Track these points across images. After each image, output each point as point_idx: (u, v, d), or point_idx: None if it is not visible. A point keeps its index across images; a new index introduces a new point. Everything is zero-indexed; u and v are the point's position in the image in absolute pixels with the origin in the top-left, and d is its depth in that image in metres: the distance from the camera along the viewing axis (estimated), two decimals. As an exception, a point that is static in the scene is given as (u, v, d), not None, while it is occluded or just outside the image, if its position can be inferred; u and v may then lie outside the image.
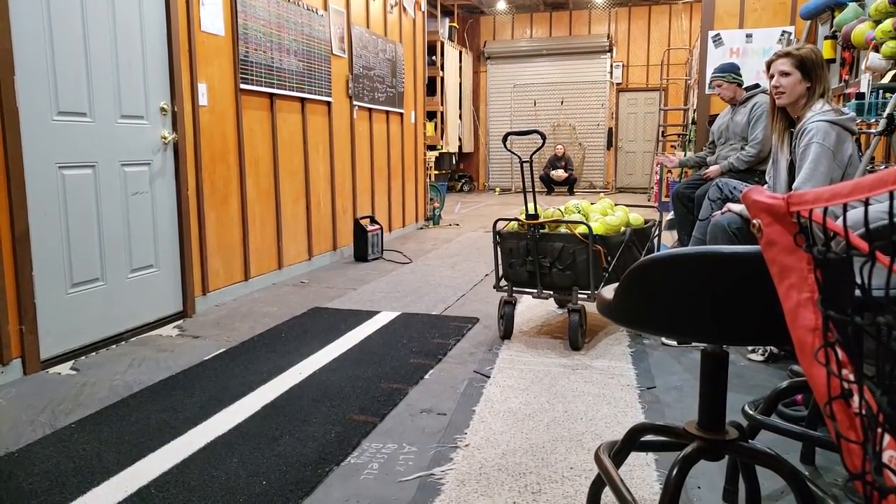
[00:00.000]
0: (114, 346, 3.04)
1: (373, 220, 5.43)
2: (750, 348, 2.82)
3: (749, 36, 5.93)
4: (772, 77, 2.60)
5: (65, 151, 2.79)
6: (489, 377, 2.61)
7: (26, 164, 2.60)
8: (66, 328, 2.82)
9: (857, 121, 3.02)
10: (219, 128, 3.79)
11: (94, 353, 2.93)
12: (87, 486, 1.77)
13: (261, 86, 4.11)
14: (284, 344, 3.02)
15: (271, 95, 4.28)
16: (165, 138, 3.34)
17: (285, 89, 4.39)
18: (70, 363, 2.79)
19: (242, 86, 3.94)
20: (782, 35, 5.86)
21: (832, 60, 4.86)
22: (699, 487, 1.76)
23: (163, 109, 3.33)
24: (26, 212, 2.60)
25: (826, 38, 4.97)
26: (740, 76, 4.01)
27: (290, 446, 2.00)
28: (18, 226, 2.57)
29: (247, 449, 1.98)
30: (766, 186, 2.95)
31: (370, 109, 5.84)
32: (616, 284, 1.35)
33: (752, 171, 3.86)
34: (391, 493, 1.75)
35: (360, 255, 5.23)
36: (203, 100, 3.63)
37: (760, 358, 2.75)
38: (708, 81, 4.08)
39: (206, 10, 3.62)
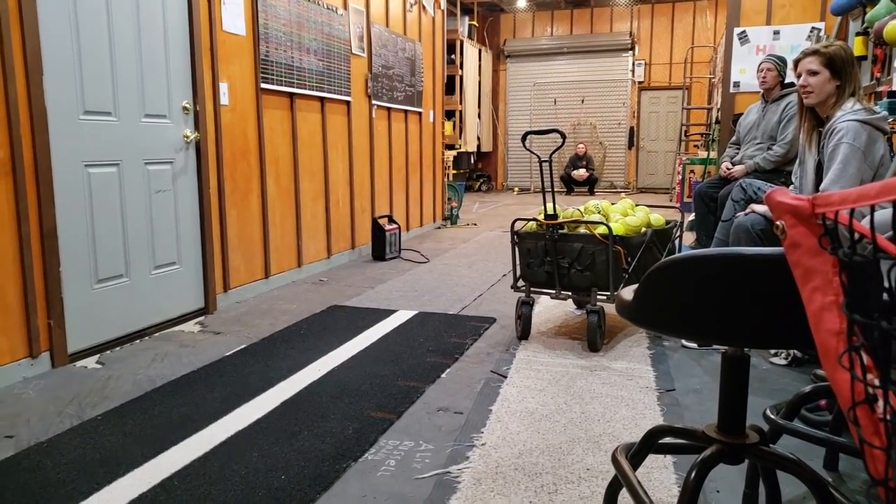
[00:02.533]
0: (137, 340, 3.09)
1: (391, 220, 5.45)
2: (773, 351, 2.78)
3: (776, 33, 5.84)
4: (799, 76, 2.56)
5: (90, 150, 2.84)
6: (506, 377, 2.60)
7: (54, 163, 2.66)
8: (92, 323, 2.88)
9: (890, 120, 2.96)
10: (240, 127, 3.83)
11: (118, 348, 2.98)
12: (112, 476, 1.81)
13: (281, 85, 4.15)
14: (303, 341, 3.05)
15: (291, 95, 4.32)
16: (188, 137, 3.39)
17: (305, 88, 4.43)
18: (96, 357, 2.85)
19: (263, 85, 3.98)
20: (811, 32, 5.76)
21: (863, 57, 4.76)
22: (718, 491, 1.75)
23: (185, 108, 3.37)
24: (54, 209, 2.65)
25: (857, 34, 4.87)
26: (785, 73, 3.92)
27: (309, 442, 2.02)
28: (46, 223, 2.62)
29: (266, 444, 2.00)
30: (791, 187, 2.91)
31: (389, 109, 5.86)
32: (636, 286, 1.34)
33: (779, 172, 3.80)
34: (408, 490, 1.76)
35: (378, 254, 5.25)
36: (224, 99, 3.67)
37: (783, 361, 2.71)
38: (758, 65, 3.98)
39: (227, 10, 3.66)
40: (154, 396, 2.39)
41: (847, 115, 2.44)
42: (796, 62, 2.59)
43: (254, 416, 2.22)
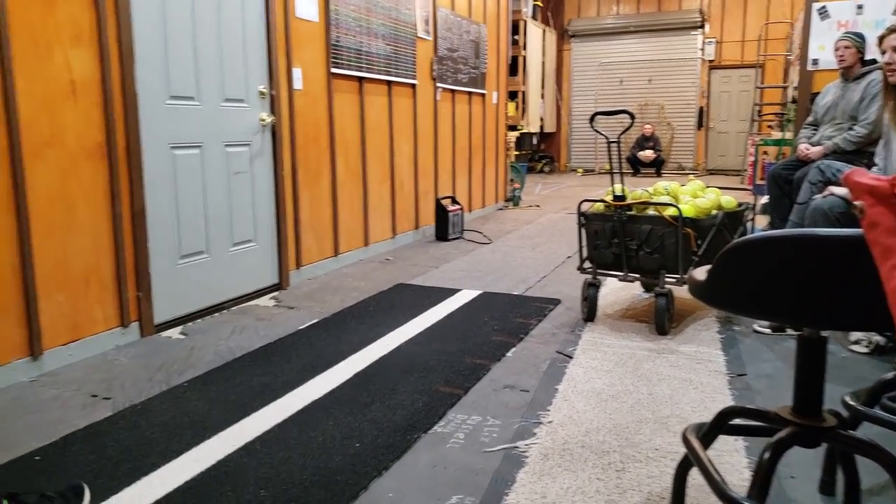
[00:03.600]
0: (217, 314, 3.27)
1: (454, 201, 5.50)
2: (853, 339, 2.68)
3: (860, 7, 5.49)
4: (884, 53, 2.44)
5: (175, 133, 3.00)
6: (572, 357, 2.62)
7: (143, 146, 2.83)
8: (176, 296, 3.06)
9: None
10: (312, 111, 3.95)
11: (199, 320, 3.16)
12: (199, 438, 1.95)
13: (350, 70, 4.24)
14: (372, 317, 3.15)
15: (360, 79, 4.40)
16: (264, 120, 3.52)
17: (373, 73, 4.50)
18: (179, 328, 3.03)
19: (333, 70, 4.08)
20: (899, 4, 5.38)
21: (956, 31, 4.43)
22: (793, 477, 1.72)
23: (261, 93, 3.51)
24: (143, 189, 2.83)
25: (951, 6, 4.54)
26: (865, 49, 3.73)
27: (381, 413, 2.10)
28: (137, 202, 2.80)
29: (340, 413, 2.10)
30: (875, 169, 2.77)
31: (453, 91, 5.88)
32: (709, 266, 1.33)
33: (860, 153, 3.62)
34: (477, 462, 1.82)
35: (441, 234, 5.32)
36: (298, 84, 3.79)
37: (865, 349, 2.61)
38: (834, 43, 3.80)
39: (301, -4, 3.77)
40: (235, 366, 2.54)
41: (938, 93, 2.31)
42: (881, 39, 2.47)
43: (328, 386, 2.32)
